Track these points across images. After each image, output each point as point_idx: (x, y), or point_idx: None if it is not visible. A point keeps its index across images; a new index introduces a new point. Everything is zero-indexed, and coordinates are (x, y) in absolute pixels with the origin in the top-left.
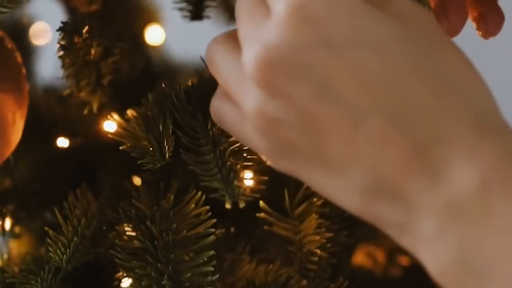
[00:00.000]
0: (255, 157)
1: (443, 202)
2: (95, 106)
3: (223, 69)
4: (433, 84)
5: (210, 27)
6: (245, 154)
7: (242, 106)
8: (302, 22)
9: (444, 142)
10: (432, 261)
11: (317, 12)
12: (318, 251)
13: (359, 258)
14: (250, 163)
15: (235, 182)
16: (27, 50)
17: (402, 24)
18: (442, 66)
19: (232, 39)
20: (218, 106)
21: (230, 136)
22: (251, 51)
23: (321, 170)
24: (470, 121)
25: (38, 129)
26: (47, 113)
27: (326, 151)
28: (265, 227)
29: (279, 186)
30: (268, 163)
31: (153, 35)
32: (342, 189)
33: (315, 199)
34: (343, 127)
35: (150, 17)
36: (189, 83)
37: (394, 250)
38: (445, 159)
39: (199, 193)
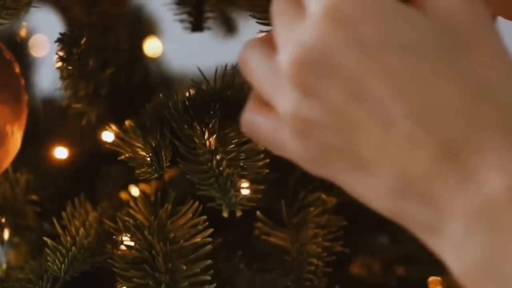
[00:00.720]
0: (252, 166)
1: (473, 206)
2: (93, 117)
3: (258, 73)
4: (466, 88)
5: (208, 39)
6: (241, 164)
7: (278, 108)
8: (336, 22)
9: (475, 147)
10: (458, 263)
11: (351, 13)
12: (315, 261)
13: (355, 267)
14: (247, 173)
15: (232, 191)
16: (26, 61)
17: (439, 26)
18: (476, 70)
19: (266, 42)
20: (250, 119)
21: (227, 146)
22: (287, 51)
23: (354, 171)
24: (502, 126)
25: (37, 140)
26: (46, 123)
27: (359, 151)
28: (262, 237)
29: (276, 196)
30: (304, 167)
31: (151, 46)
32: (373, 190)
33: (311, 209)
34: (375, 127)
35: (148, 28)
36: (187, 94)
37: (390, 260)
38: (475, 163)
39: (196, 203)
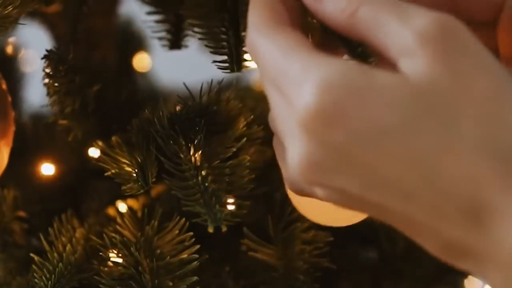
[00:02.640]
0: (237, 182)
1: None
2: (79, 133)
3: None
4: (481, 152)
5: (196, 55)
6: (227, 179)
7: None
8: (324, 125)
9: (490, 208)
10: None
11: (335, 112)
12: (302, 277)
13: (344, 283)
14: (232, 188)
15: (217, 207)
16: (15, 77)
17: (424, 96)
18: (476, 127)
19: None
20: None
21: (213, 161)
22: (292, 156)
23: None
24: None
25: (24, 156)
26: (33, 139)
27: (386, 219)
28: (249, 253)
29: (263, 211)
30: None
31: (140, 61)
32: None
33: (298, 224)
34: (397, 206)
35: (137, 44)
36: (173, 109)
37: (378, 275)
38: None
39: (183, 219)
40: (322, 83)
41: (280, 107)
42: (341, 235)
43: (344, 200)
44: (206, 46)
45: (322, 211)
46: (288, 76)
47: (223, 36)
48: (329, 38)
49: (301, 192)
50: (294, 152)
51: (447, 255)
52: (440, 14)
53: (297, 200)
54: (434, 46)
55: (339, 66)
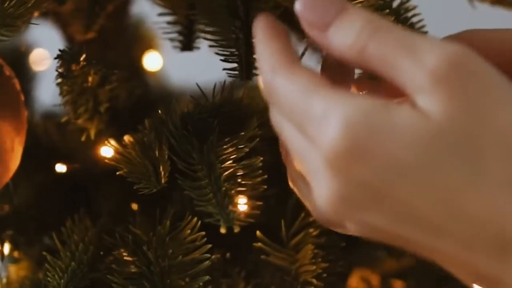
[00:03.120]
0: (249, 182)
1: None
2: (92, 133)
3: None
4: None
5: (207, 54)
6: (239, 180)
7: None
8: (350, 162)
9: None
10: None
11: (360, 149)
12: (314, 281)
13: (354, 281)
14: (245, 189)
15: (230, 207)
16: (27, 76)
17: (445, 132)
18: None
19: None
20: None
21: (225, 162)
22: (319, 193)
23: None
24: None
25: (37, 155)
26: (46, 139)
27: (418, 251)
28: (262, 257)
29: (275, 212)
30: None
31: (151, 61)
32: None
33: (311, 230)
34: (427, 240)
35: (148, 44)
36: (185, 109)
37: (388, 273)
38: None
39: (195, 218)
40: (345, 121)
41: (302, 147)
42: (354, 239)
43: (374, 233)
44: (217, 54)
45: None
46: (310, 116)
47: (234, 43)
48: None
49: (330, 225)
50: (321, 189)
51: (480, 284)
52: (451, 47)
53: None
54: (448, 84)
55: (360, 103)
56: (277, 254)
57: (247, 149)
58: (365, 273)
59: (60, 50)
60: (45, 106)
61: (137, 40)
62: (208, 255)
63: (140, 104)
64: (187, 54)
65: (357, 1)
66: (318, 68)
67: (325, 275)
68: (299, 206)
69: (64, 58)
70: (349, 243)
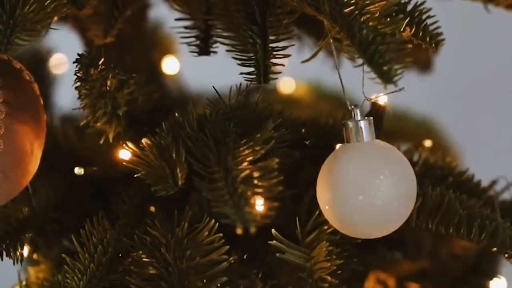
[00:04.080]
0: (265, 184)
1: None
2: (111, 136)
3: None
4: None
5: (225, 58)
6: (255, 181)
7: None
8: None
9: None
10: None
11: None
12: (329, 278)
13: (370, 283)
14: (261, 190)
15: (246, 208)
16: (47, 80)
17: None
18: None
19: None
20: None
21: (241, 164)
22: None
23: None
24: None
25: (56, 158)
26: (65, 142)
27: None
28: (277, 255)
29: (291, 213)
30: None
31: (169, 65)
32: None
33: (325, 227)
34: None
35: (166, 48)
36: (202, 113)
37: (404, 275)
38: None
39: (213, 220)
40: None
41: None
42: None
43: None
44: (234, 58)
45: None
46: None
47: (251, 48)
48: None
49: None
50: None
51: None
52: None
53: (328, 214)
54: None
55: None
56: (292, 251)
57: (263, 151)
58: (381, 275)
59: (78, 54)
60: (64, 110)
61: (156, 44)
62: (226, 256)
63: (158, 108)
64: (204, 58)
65: (371, 7)
66: (332, 72)
67: (339, 271)
68: (314, 205)
69: (83, 62)
70: (365, 244)
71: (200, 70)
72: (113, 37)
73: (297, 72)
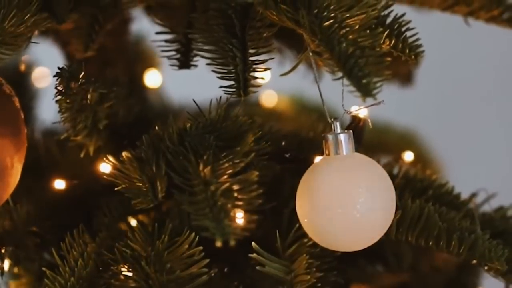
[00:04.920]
0: (245, 197)
1: None
2: (91, 149)
3: None
4: None
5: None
6: (236, 194)
7: None
8: None
9: None
10: None
11: None
12: None
13: None
14: (241, 203)
15: (226, 221)
16: (29, 94)
17: None
18: None
19: None
20: None
21: (221, 177)
22: None
23: None
24: None
25: (37, 172)
26: (46, 155)
27: None
28: (257, 267)
29: (272, 226)
30: None
31: (151, 79)
32: None
33: (305, 240)
34: None
35: (148, 61)
36: (183, 126)
37: None
38: None
39: (193, 233)
40: None
41: None
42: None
43: None
44: (214, 71)
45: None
46: None
47: (231, 61)
48: None
49: None
50: None
51: None
52: None
53: (307, 227)
54: None
55: None
56: (273, 264)
57: (242, 164)
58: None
59: (59, 68)
60: (46, 123)
61: (138, 57)
62: (206, 269)
63: (139, 121)
64: (185, 71)
65: (349, 21)
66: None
67: (319, 284)
68: (294, 217)
69: (63, 75)
70: (345, 257)
71: (183, 83)
72: (95, 51)
73: (279, 85)
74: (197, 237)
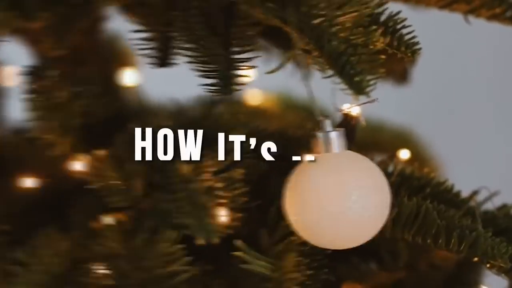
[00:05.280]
0: (229, 194)
1: None
2: (65, 147)
3: None
4: None
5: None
6: (219, 192)
7: None
8: None
9: None
10: None
11: None
12: None
13: None
14: (225, 201)
15: (207, 219)
16: None
17: None
18: None
19: None
20: None
21: (201, 175)
22: None
23: None
24: None
25: (7, 170)
26: (16, 154)
27: None
28: (241, 265)
29: (258, 224)
30: None
31: (127, 77)
32: None
33: (294, 237)
34: None
35: (124, 60)
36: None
37: (378, 286)
38: None
39: (174, 231)
40: None
41: None
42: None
43: None
44: (194, 70)
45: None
46: None
47: (213, 59)
48: None
49: None
50: None
51: None
52: None
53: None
54: None
55: None
56: (258, 262)
57: (226, 162)
58: (355, 286)
59: (26, 66)
60: (16, 122)
61: (114, 56)
62: (186, 267)
63: (115, 119)
64: (168, 69)
65: (342, 19)
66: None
67: (309, 282)
68: (281, 215)
69: (31, 73)
70: (337, 255)
71: (163, 81)
72: (67, 49)
73: (266, 83)
74: (180, 235)
